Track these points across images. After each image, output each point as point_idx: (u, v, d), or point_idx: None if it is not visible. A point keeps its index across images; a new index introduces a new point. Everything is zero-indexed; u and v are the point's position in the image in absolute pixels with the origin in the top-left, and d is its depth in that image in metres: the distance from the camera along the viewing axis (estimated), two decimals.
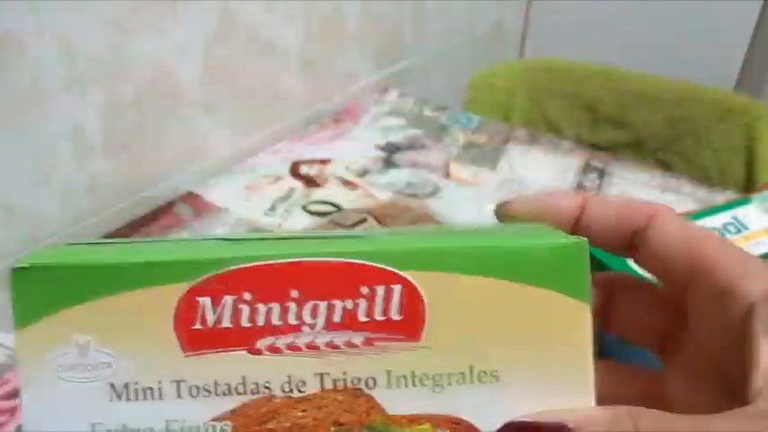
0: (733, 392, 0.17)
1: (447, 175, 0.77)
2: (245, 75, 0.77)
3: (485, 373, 0.17)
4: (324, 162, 0.78)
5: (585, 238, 0.17)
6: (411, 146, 0.82)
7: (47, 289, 0.16)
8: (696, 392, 0.19)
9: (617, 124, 1.01)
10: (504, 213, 0.21)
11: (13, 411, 0.48)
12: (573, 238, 0.17)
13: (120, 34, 0.62)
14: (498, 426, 0.17)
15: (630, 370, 0.21)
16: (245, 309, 0.16)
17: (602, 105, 1.01)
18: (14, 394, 0.49)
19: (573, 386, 0.17)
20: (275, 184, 0.74)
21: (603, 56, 1.06)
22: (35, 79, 0.56)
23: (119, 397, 0.16)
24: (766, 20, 1.17)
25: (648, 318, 0.21)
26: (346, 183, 0.74)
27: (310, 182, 0.74)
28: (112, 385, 0.16)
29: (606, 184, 0.76)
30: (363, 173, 0.76)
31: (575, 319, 0.17)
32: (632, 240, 0.20)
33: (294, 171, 0.76)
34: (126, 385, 0.16)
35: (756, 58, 1.20)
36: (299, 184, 0.74)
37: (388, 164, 0.78)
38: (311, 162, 0.78)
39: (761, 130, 0.89)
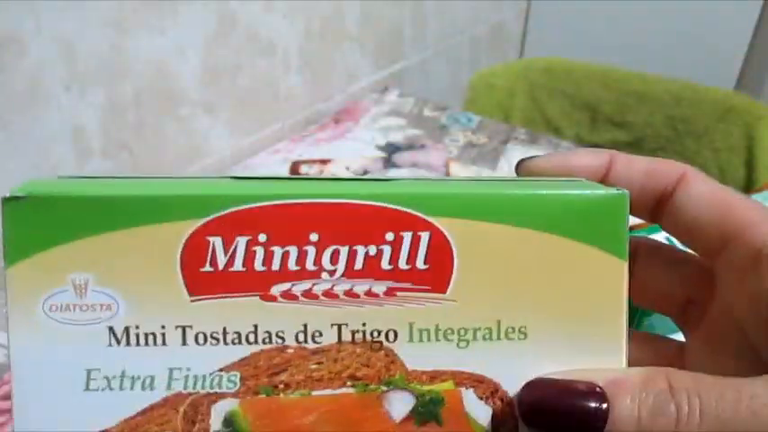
0: (760, 363, 0.16)
1: (447, 175, 0.77)
2: (245, 75, 0.77)
3: (513, 329, 0.16)
4: (324, 162, 0.78)
5: (627, 191, 0.16)
6: (411, 146, 0.82)
7: (42, 222, 0.15)
8: (719, 363, 0.18)
9: (617, 124, 1.01)
10: (526, 170, 0.20)
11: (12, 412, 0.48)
12: (613, 190, 0.16)
13: (120, 34, 0.62)
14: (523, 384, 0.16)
15: (649, 338, 0.20)
16: (260, 251, 0.15)
17: (602, 105, 1.01)
18: None
19: (604, 346, 0.16)
20: None
21: (603, 56, 1.06)
22: (35, 79, 0.56)
23: (118, 342, 0.15)
24: (766, 20, 1.17)
25: (671, 284, 0.20)
26: None
27: None
28: (111, 329, 0.15)
29: None
30: (363, 173, 0.76)
31: (610, 277, 0.16)
32: (659, 202, 0.18)
33: (294, 171, 0.76)
34: (126, 329, 0.15)
35: (756, 58, 1.20)
36: None
37: (388, 164, 0.78)
38: (311, 162, 0.78)
39: (761, 130, 0.89)
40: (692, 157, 0.95)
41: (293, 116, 0.86)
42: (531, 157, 0.20)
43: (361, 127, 0.86)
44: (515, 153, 0.81)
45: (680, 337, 0.20)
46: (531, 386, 0.16)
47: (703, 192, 0.18)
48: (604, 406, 0.15)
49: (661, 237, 0.35)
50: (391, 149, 0.81)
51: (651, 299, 0.20)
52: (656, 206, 0.19)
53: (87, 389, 0.15)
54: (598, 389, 0.15)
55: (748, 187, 0.88)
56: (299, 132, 0.84)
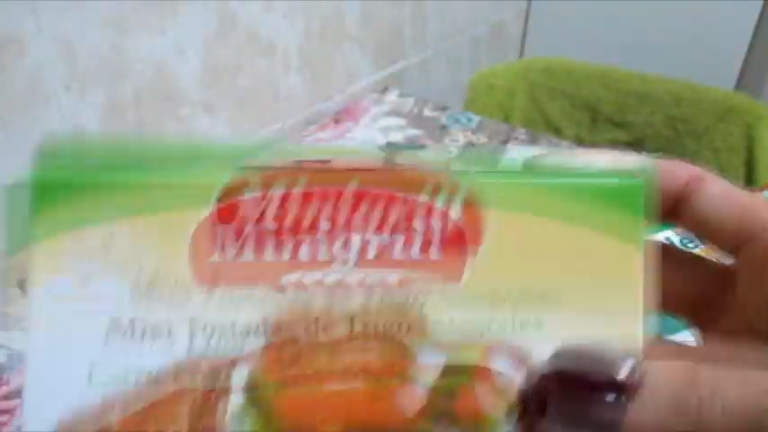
0: None
1: None
2: (245, 75, 0.77)
3: (528, 321, 0.15)
4: (324, 162, 0.77)
5: (643, 179, 0.16)
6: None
7: (46, 209, 0.14)
8: (737, 365, 0.18)
9: (617, 124, 1.01)
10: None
11: (12, 412, 0.48)
12: (629, 178, 0.16)
13: (120, 34, 0.62)
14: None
15: (659, 341, 0.20)
16: (271, 241, 0.15)
17: (602, 105, 1.01)
18: (14, 394, 0.49)
19: (621, 339, 0.16)
20: None
21: (603, 56, 1.06)
22: (35, 79, 0.56)
23: (122, 334, 0.15)
24: (766, 20, 1.17)
25: (685, 284, 0.19)
26: None
27: None
28: (116, 320, 0.14)
29: None
30: None
31: (627, 268, 0.16)
32: (673, 205, 0.18)
33: None
34: (132, 321, 0.15)
35: (756, 58, 1.20)
36: None
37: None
38: (311, 162, 0.78)
39: (761, 130, 0.89)
40: (692, 157, 0.95)
41: (293, 116, 0.86)
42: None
43: (361, 127, 0.86)
44: (515, 153, 0.81)
45: (679, 338, 0.20)
46: (557, 355, 0.15)
47: (721, 193, 0.17)
48: (624, 398, 0.14)
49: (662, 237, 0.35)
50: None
51: (662, 300, 0.20)
52: (669, 210, 0.18)
53: (90, 383, 0.15)
54: (618, 381, 0.15)
55: (748, 187, 0.88)
56: (299, 132, 0.84)
